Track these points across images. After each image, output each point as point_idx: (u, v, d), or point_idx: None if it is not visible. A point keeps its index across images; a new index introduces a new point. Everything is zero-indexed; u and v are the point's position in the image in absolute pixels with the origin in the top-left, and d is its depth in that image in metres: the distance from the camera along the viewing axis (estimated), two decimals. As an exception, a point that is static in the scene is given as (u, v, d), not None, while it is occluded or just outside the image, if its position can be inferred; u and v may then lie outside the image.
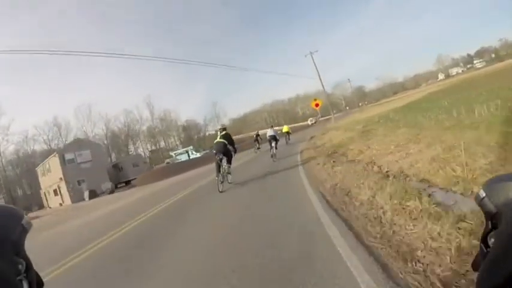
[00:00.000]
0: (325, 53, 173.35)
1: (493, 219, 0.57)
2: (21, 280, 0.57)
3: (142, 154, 68.95)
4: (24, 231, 0.60)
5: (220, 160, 8.82)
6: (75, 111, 79.80)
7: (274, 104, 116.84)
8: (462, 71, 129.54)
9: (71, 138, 63.07)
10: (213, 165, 9.15)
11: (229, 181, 9.34)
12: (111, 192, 36.42)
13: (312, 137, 22.90)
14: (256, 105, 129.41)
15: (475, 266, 0.61)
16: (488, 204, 0.57)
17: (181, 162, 44.72)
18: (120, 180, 43.67)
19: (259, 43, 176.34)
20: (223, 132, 9.33)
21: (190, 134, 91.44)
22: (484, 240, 0.59)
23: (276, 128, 22.51)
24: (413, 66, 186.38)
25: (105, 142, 74.20)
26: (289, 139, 24.72)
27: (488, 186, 0.58)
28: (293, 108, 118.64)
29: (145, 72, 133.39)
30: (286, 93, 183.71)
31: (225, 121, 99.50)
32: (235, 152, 9.50)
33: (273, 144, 14.30)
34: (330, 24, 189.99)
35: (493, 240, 0.56)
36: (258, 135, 24.24)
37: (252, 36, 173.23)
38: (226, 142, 8.99)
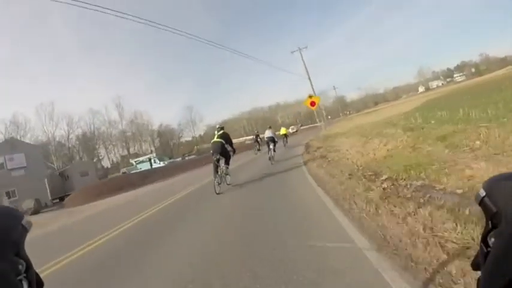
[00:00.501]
0: (306, 63, 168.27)
1: (493, 218, 0.55)
2: (21, 280, 0.57)
3: (114, 160, 58.84)
4: (25, 231, 0.60)
5: (218, 161, 8.56)
6: (36, 109, 66.99)
7: (254, 111, 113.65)
8: (442, 84, 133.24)
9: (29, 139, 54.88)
10: (184, 179, 11.43)
11: (228, 182, 9.20)
12: (35, 212, 25.55)
13: (308, 147, 17.88)
14: (235, 112, 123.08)
15: (474, 266, 0.61)
16: (489, 204, 0.56)
17: (140, 172, 35.72)
18: (66, 192, 34.48)
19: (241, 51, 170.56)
20: (221, 132, 8.90)
21: (166, 140, 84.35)
22: (484, 240, 0.57)
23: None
24: (395, 77, 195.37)
25: (69, 145, 66.92)
26: (286, 142, 22.87)
27: (488, 185, 0.57)
28: (273, 116, 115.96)
29: (117, 72, 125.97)
30: (266, 101, 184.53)
31: (202, 127, 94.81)
32: (233, 153, 9.20)
33: (271, 146, 13.66)
34: (311, 34, 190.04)
35: (493, 239, 0.55)
36: (257, 135, 23.48)
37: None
38: (223, 142, 8.65)
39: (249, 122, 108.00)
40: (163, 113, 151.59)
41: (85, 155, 69.63)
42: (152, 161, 47.72)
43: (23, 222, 0.60)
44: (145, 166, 46.49)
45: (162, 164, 45.15)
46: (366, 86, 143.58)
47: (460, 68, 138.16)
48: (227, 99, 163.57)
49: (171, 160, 49.02)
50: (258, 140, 23.08)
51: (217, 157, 8.52)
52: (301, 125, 55.58)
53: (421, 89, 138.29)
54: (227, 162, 8.92)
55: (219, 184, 8.39)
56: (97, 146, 73.67)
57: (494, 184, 0.56)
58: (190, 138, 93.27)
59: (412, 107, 25.50)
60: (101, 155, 73.44)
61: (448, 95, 33.00)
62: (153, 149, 79.56)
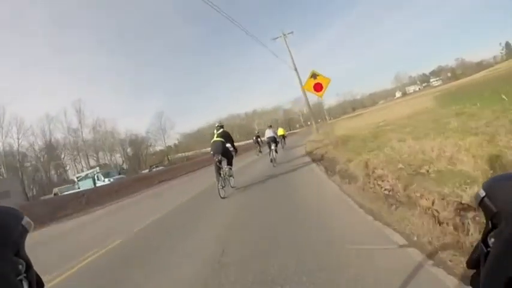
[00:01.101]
0: (285, 69, 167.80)
1: (493, 218, 0.56)
2: (21, 280, 0.57)
3: (80, 173, 49.29)
4: (25, 231, 0.60)
5: (220, 162, 8.04)
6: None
7: (230, 118, 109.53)
8: (419, 88, 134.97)
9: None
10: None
11: (232, 185, 8.83)
12: None
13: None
14: (210, 120, 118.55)
15: (469, 264, 0.62)
16: (488, 204, 0.57)
17: (75, 194, 24.40)
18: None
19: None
20: (220, 130, 8.40)
21: (136, 150, 77.30)
22: (484, 240, 0.58)
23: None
24: (373, 83, 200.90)
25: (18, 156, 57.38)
26: (284, 143, 22.26)
27: (488, 185, 0.58)
28: (250, 123, 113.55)
29: (79, 76, 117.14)
30: (242, 107, 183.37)
31: (173, 135, 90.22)
32: (236, 152, 8.96)
33: (273, 146, 12.84)
34: (290, 40, 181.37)
35: (493, 240, 0.56)
36: (258, 136, 22.84)
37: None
38: (224, 141, 8.19)
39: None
40: (134, 121, 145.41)
41: (51, 167, 62.36)
42: (96, 177, 38.67)
43: (23, 222, 0.60)
44: (87, 184, 37.95)
45: (107, 181, 35.96)
46: (344, 92, 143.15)
47: (436, 72, 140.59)
48: (203, 106, 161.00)
49: (119, 176, 39.63)
50: (259, 141, 22.48)
51: (219, 158, 8.00)
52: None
53: (398, 94, 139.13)
54: (230, 163, 8.47)
55: (223, 187, 7.89)
56: (63, 157, 66.13)
57: (494, 184, 0.57)
58: (164, 148, 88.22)
59: (418, 106, 21.91)
60: (67, 167, 66.34)
61: (448, 93, 31.41)
62: (123, 159, 74.19)
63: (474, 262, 0.60)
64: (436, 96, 30.31)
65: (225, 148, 8.15)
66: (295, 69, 23.50)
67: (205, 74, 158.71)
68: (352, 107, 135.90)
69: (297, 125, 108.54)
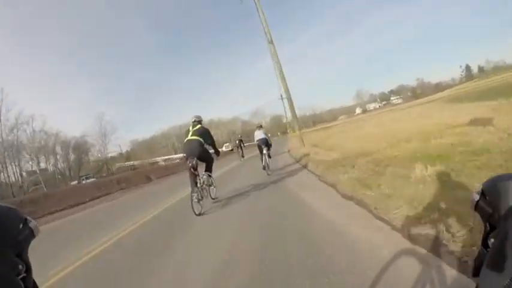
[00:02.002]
0: (247, 82, 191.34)
1: (490, 220, 0.58)
2: (21, 280, 0.57)
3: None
4: (31, 234, 0.61)
5: (195, 167, 6.40)
6: None
7: (185, 126, 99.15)
8: (379, 106, 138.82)
9: None
10: None
11: (213, 196, 7.35)
12: None
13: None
14: (164, 127, 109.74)
15: (474, 273, 0.60)
16: (484, 206, 0.58)
17: None
18: None
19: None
20: (198, 126, 6.68)
21: (79, 154, 65.68)
22: (484, 243, 0.59)
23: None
24: (333, 99, 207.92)
25: None
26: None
27: (482, 188, 0.60)
28: None
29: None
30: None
31: (115, 141, 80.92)
32: (218, 155, 7.59)
33: (265, 151, 10.54)
34: (252, 52, 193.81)
35: (492, 240, 0.56)
36: (241, 141, 22.89)
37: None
38: (202, 140, 6.49)
39: (179, 139, 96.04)
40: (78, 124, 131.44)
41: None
42: None
43: (31, 225, 0.60)
44: None
45: None
46: (305, 106, 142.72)
47: (396, 91, 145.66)
48: (156, 115, 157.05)
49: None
50: (242, 145, 22.32)
51: (194, 162, 6.29)
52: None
53: (358, 110, 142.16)
54: (209, 169, 6.91)
55: (199, 201, 6.20)
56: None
57: (488, 186, 0.58)
58: (108, 155, 77.86)
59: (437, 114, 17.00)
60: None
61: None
62: (65, 165, 62.75)
63: (478, 270, 0.57)
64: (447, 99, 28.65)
65: (202, 149, 6.48)
66: (271, 42, 16.91)
67: (161, 82, 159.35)
68: (312, 120, 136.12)
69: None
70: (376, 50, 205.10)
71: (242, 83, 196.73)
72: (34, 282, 0.62)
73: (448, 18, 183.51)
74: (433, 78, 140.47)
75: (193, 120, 6.88)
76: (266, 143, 10.87)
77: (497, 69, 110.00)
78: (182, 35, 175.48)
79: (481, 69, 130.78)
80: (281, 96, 44.13)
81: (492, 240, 0.56)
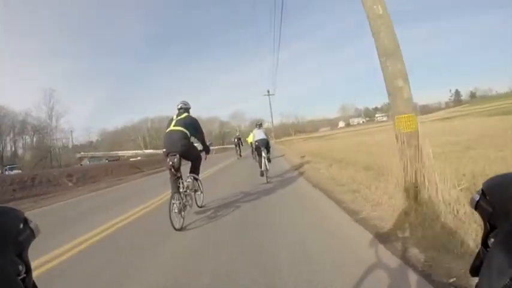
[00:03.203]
0: (230, 83, 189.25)
1: (490, 219, 0.58)
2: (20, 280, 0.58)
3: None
4: (32, 235, 0.61)
5: (177, 167, 5.06)
6: None
7: (159, 119, 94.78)
8: (363, 122, 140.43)
9: None
10: None
11: (200, 204, 6.15)
12: None
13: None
14: (135, 118, 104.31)
15: (472, 272, 0.62)
16: (484, 205, 0.59)
17: None
18: None
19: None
20: (184, 115, 5.47)
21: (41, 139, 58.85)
22: (484, 242, 0.60)
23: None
24: (316, 110, 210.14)
25: None
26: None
27: (483, 188, 0.60)
28: None
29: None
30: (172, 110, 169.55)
31: (64, 125, 65.87)
32: (207, 152, 6.03)
33: (264, 153, 9.00)
34: (241, 57, 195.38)
35: (492, 240, 0.57)
36: (239, 139, 23.27)
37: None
38: (187, 133, 5.26)
39: (151, 133, 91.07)
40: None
41: None
42: None
43: (32, 225, 0.60)
44: None
45: None
46: (287, 113, 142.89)
47: (382, 109, 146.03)
48: (132, 103, 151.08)
49: None
50: (239, 143, 22.99)
51: (175, 160, 4.96)
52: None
53: (341, 124, 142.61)
54: (194, 169, 5.66)
55: (180, 211, 4.86)
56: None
57: (488, 186, 0.59)
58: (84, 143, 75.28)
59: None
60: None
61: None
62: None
63: (477, 269, 0.60)
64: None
65: (187, 144, 5.18)
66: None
67: (139, 73, 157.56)
68: (294, 129, 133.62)
69: (233, 139, 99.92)
70: (365, 68, 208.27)
71: (224, 84, 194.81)
72: (34, 283, 0.63)
73: (439, 45, 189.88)
74: (420, 100, 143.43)
75: (179, 107, 5.67)
76: (266, 145, 9.35)
77: (486, 98, 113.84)
78: (167, 27, 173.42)
79: (473, 94, 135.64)
80: (267, 92, 41.50)
81: (492, 240, 0.56)
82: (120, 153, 72.87)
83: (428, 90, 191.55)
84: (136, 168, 25.19)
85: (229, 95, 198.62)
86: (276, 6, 19.26)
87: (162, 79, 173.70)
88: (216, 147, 49.71)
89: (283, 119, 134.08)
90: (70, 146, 70.21)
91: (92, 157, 59.95)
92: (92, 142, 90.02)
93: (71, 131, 67.97)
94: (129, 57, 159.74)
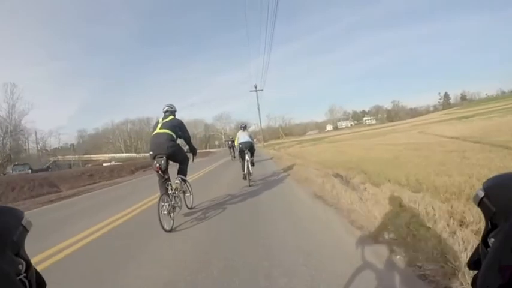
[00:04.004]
0: (216, 86, 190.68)
1: (492, 218, 0.59)
2: (21, 280, 0.59)
3: None
4: (25, 231, 0.62)
5: (164, 169, 5.17)
6: None
7: (140, 121, 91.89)
8: (351, 125, 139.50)
9: None
10: None
11: (189, 205, 6.23)
12: None
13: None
14: (117, 120, 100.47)
15: (470, 265, 0.65)
16: (488, 204, 0.59)
17: None
18: None
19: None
20: (170, 118, 5.60)
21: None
22: (484, 240, 0.60)
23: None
24: (306, 111, 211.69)
25: None
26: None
27: (487, 185, 0.61)
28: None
29: None
30: (156, 112, 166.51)
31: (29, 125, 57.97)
32: (194, 154, 6.12)
33: (247, 157, 8.82)
34: (222, 63, 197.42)
35: (493, 239, 0.57)
36: (232, 141, 22.76)
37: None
38: (173, 135, 5.35)
39: (130, 135, 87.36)
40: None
41: None
42: None
43: (23, 222, 0.61)
44: None
45: None
46: (275, 116, 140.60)
47: (370, 112, 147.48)
48: (110, 107, 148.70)
49: None
50: (233, 146, 22.28)
51: (162, 162, 5.07)
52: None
53: (329, 127, 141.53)
54: (182, 171, 5.72)
55: (169, 213, 4.90)
56: None
57: (493, 184, 0.59)
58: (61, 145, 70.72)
59: None
60: None
61: None
62: None
63: (475, 263, 0.62)
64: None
65: (173, 146, 5.22)
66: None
67: (124, 73, 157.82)
68: (280, 133, 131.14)
69: (216, 142, 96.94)
70: (354, 71, 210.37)
71: (210, 86, 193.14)
72: (38, 273, 0.64)
73: (428, 49, 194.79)
74: (408, 103, 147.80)
75: (164, 110, 5.73)
76: (251, 148, 9.12)
77: (478, 101, 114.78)
78: (152, 28, 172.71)
79: (463, 97, 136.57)
80: (255, 87, 38.55)
81: (493, 239, 0.57)
82: (95, 157, 69.71)
83: (416, 94, 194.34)
84: (89, 176, 19.92)
85: (215, 98, 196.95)
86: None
87: (146, 81, 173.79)
88: (198, 150, 46.34)
89: (270, 121, 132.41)
90: (38, 148, 65.80)
91: (19, 165, 48.20)
92: (73, 145, 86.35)
93: (35, 132, 62.84)
94: (113, 57, 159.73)
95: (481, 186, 0.61)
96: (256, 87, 38.42)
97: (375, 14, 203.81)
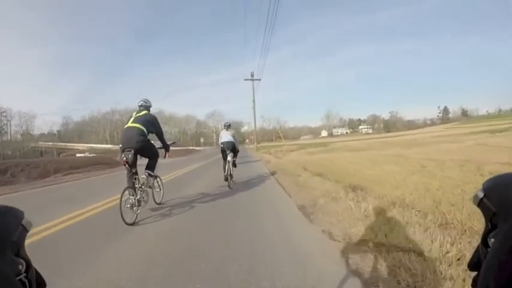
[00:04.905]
0: (210, 83, 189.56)
1: (492, 219, 0.59)
2: (21, 280, 0.59)
3: None
4: (25, 231, 0.62)
5: (132, 163, 5.14)
6: None
7: (128, 112, 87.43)
8: (346, 132, 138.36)
9: None
10: None
11: (157, 201, 6.19)
12: None
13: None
14: (105, 108, 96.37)
15: (470, 266, 0.64)
16: (487, 204, 0.59)
17: None
18: None
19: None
20: (143, 113, 5.55)
21: None
22: (484, 241, 0.61)
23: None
24: (301, 115, 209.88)
25: None
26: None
27: (487, 186, 0.61)
28: None
29: None
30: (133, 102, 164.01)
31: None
32: (167, 150, 6.09)
33: (229, 157, 8.41)
34: (218, 61, 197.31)
35: (493, 240, 0.58)
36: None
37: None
38: (144, 130, 5.31)
39: (115, 125, 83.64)
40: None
41: None
42: None
43: (23, 222, 0.61)
44: None
45: None
46: (269, 117, 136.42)
47: (368, 121, 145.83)
48: (101, 94, 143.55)
49: None
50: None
51: (130, 156, 5.02)
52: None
53: (324, 133, 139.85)
54: (150, 167, 5.63)
55: (132, 206, 4.85)
56: None
57: (493, 185, 0.60)
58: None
59: None
60: None
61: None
62: None
63: (475, 264, 0.62)
64: None
65: (143, 140, 5.18)
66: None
67: (116, 64, 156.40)
68: (276, 135, 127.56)
69: (202, 139, 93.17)
70: (352, 78, 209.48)
71: (204, 83, 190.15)
72: (38, 273, 0.64)
73: (429, 63, 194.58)
74: (405, 114, 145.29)
75: (139, 104, 5.67)
76: (233, 148, 8.54)
77: (480, 117, 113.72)
78: (150, 21, 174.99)
79: (464, 112, 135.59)
80: (251, 76, 34.03)
81: (492, 240, 0.57)
82: (71, 145, 67.89)
83: (412, 106, 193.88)
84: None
85: (209, 95, 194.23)
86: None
87: (141, 73, 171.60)
88: (177, 148, 40.98)
89: (264, 122, 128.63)
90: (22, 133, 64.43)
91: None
92: (59, 131, 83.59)
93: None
94: (109, 47, 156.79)
95: (481, 187, 0.61)
96: (252, 75, 33.93)
97: (375, 23, 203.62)
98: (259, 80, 34.40)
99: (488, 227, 0.59)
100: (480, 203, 0.60)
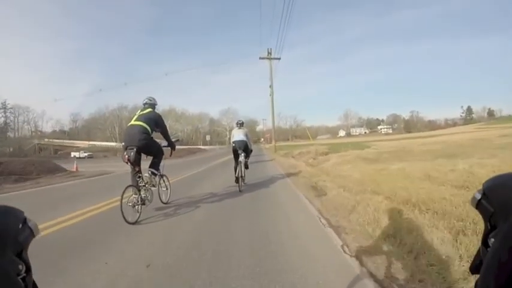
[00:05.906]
0: (226, 80, 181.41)
1: (491, 219, 0.59)
2: (21, 280, 0.59)
3: None
4: (31, 234, 0.62)
5: (135, 162, 5.05)
6: None
7: (133, 110, 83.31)
8: (365, 132, 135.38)
9: None
10: None
11: (164, 200, 6.01)
12: None
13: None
14: (113, 103, 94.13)
15: (472, 269, 0.64)
16: (486, 205, 0.59)
17: None
18: None
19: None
20: (147, 111, 5.45)
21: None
22: (484, 242, 0.61)
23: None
24: (318, 114, 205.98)
25: None
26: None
27: (487, 186, 0.61)
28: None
29: None
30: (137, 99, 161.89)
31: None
32: (173, 149, 5.98)
33: (241, 158, 7.89)
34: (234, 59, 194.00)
35: (493, 240, 0.58)
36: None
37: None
38: (147, 128, 5.19)
39: (119, 122, 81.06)
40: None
41: None
42: None
43: (31, 225, 0.61)
44: None
45: None
46: (286, 116, 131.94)
47: (387, 121, 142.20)
48: (118, 92, 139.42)
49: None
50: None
51: (132, 154, 4.89)
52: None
53: (341, 133, 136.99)
54: (154, 165, 5.49)
55: (134, 205, 4.75)
56: None
57: (492, 185, 0.59)
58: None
59: None
60: None
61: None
62: None
63: (477, 267, 0.61)
64: None
65: (146, 138, 5.04)
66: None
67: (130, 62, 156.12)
68: (291, 135, 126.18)
69: (208, 138, 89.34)
70: (371, 79, 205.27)
71: (219, 80, 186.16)
72: (34, 282, 0.63)
73: (448, 64, 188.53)
74: (426, 114, 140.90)
75: (144, 102, 5.61)
76: (245, 148, 8.04)
77: (500, 119, 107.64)
78: (165, 17, 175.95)
79: (490, 112, 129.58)
80: (268, 53, 27.93)
81: (492, 240, 0.57)
82: (69, 142, 66.23)
83: (433, 106, 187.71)
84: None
85: (223, 93, 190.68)
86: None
87: (153, 70, 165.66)
88: (182, 146, 36.15)
89: (281, 121, 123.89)
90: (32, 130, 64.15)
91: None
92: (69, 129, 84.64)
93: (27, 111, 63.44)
94: (122, 43, 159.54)
95: (480, 188, 0.61)
96: (270, 53, 27.84)
97: (396, 23, 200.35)
98: (279, 59, 28.33)
99: (487, 228, 0.59)
100: (478, 205, 0.60)
